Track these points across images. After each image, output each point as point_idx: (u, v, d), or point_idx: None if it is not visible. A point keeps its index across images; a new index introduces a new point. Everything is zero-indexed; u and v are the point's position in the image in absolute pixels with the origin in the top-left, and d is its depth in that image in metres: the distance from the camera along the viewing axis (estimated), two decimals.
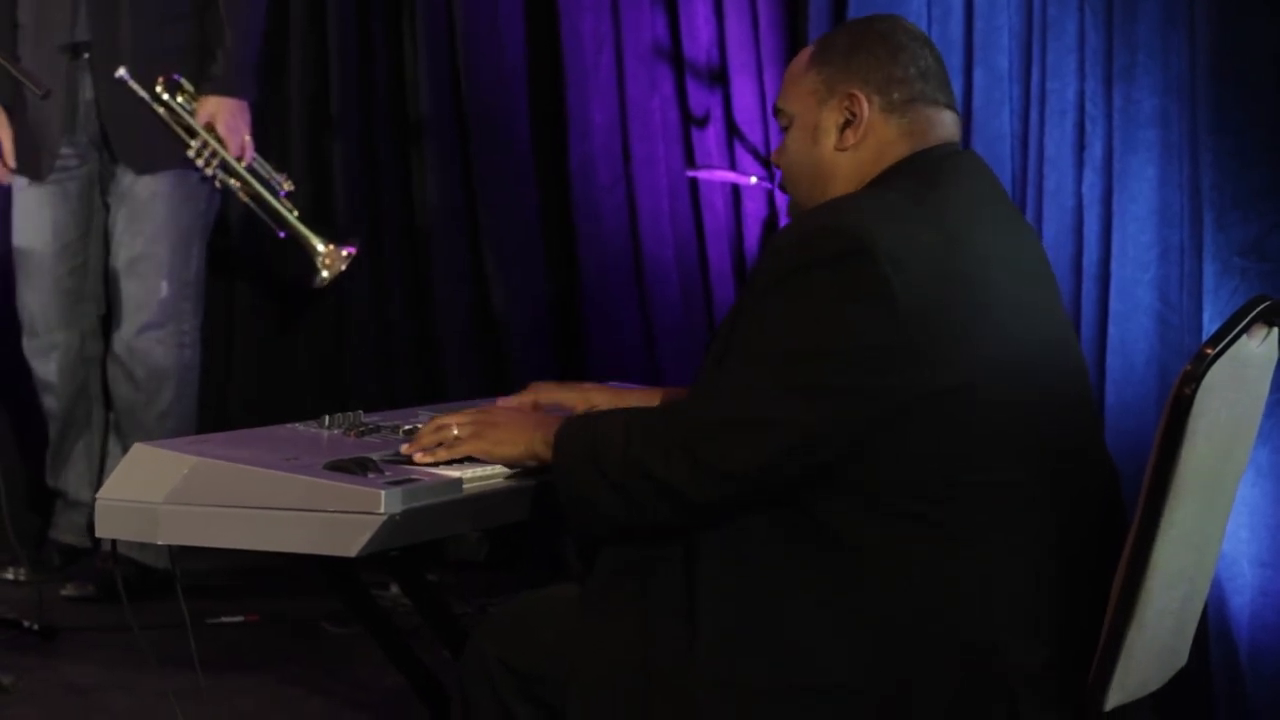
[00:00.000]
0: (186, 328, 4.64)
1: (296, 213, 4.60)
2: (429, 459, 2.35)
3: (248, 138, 4.52)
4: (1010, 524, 2.17)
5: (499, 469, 2.37)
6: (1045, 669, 2.16)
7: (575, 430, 2.30)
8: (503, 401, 2.68)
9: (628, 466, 2.21)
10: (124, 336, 4.61)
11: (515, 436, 2.36)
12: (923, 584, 2.14)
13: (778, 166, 2.44)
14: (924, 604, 2.14)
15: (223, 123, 4.49)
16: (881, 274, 2.12)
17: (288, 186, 4.61)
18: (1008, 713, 2.13)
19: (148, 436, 4.51)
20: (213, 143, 4.47)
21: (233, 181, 4.54)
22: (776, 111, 2.42)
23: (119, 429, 4.69)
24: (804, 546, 2.18)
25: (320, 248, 4.58)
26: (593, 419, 2.34)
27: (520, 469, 2.38)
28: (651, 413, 2.31)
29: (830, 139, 2.35)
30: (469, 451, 2.37)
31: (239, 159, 4.52)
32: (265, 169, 4.60)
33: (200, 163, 4.48)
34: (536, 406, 2.67)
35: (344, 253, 4.59)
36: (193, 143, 4.47)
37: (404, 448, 2.40)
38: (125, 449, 4.60)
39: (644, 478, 2.20)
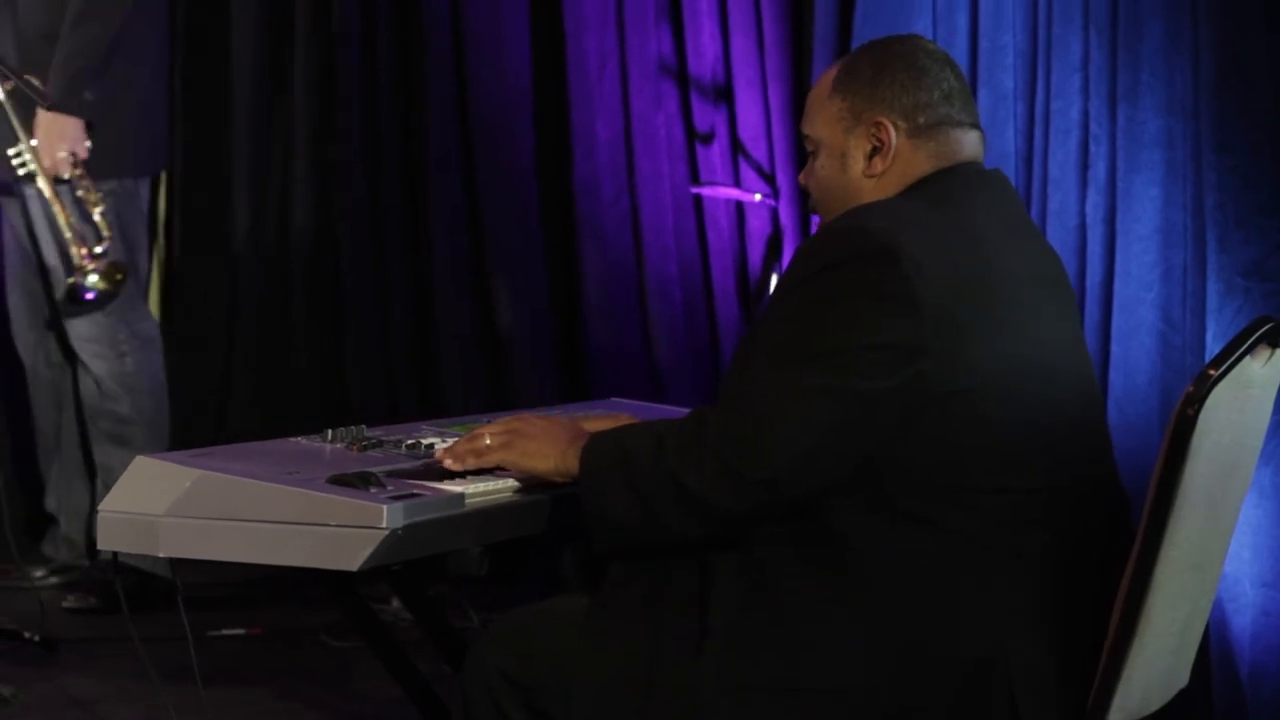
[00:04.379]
0: (123, 336, 4.62)
1: (102, 258, 4.47)
2: (459, 466, 2.36)
3: (61, 155, 4.43)
4: (1019, 533, 2.18)
5: (503, 484, 2.37)
6: (1049, 679, 2.17)
7: (604, 444, 2.29)
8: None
9: (659, 477, 2.20)
10: (73, 346, 4.64)
11: (547, 450, 2.35)
12: (931, 589, 2.15)
13: (806, 188, 2.45)
14: (931, 609, 2.15)
15: (39, 136, 4.44)
16: (904, 275, 2.13)
17: (105, 233, 4.48)
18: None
19: (115, 442, 4.59)
20: (29, 153, 4.43)
21: (44, 191, 4.46)
22: (803, 136, 2.43)
23: (91, 436, 4.70)
24: (815, 550, 2.18)
25: (89, 279, 4.46)
26: (622, 432, 2.33)
27: (533, 484, 2.37)
28: (683, 422, 2.29)
29: (858, 165, 2.36)
30: (499, 460, 2.37)
31: (54, 176, 4.44)
32: (86, 188, 4.47)
33: (16, 162, 4.44)
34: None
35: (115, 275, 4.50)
36: (22, 148, 4.44)
37: (438, 453, 2.41)
38: (96, 455, 4.65)
39: (675, 488, 2.19)
